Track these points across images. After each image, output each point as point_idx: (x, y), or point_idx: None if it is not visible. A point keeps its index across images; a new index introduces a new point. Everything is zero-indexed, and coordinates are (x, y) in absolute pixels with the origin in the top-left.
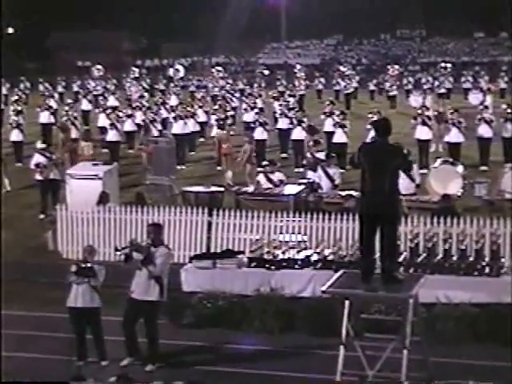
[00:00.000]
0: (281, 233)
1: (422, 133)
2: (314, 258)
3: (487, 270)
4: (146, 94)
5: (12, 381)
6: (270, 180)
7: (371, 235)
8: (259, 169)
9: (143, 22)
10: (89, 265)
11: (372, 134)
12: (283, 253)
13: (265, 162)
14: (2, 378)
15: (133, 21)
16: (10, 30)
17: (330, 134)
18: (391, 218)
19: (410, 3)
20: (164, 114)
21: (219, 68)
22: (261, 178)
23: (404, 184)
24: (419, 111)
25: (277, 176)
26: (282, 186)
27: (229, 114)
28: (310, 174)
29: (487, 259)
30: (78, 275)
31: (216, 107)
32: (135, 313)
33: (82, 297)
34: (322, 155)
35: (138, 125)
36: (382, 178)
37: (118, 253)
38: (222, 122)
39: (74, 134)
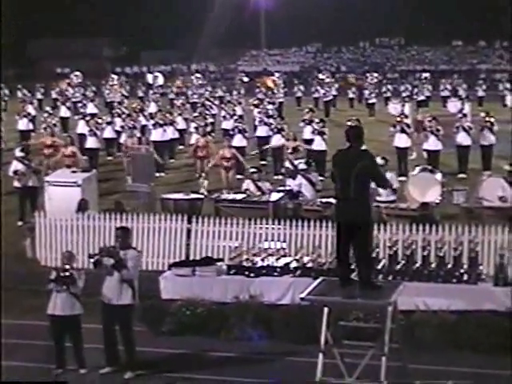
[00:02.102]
0: (260, 240)
1: (401, 140)
2: (293, 265)
3: (465, 277)
4: (125, 101)
5: (12, 381)
6: (258, 187)
7: (345, 242)
8: (239, 176)
9: (122, 29)
10: (67, 273)
11: None
12: (262, 260)
13: (252, 170)
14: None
15: (112, 28)
16: None
17: (309, 142)
18: (361, 224)
19: (388, 12)
20: (143, 121)
21: (198, 75)
22: (249, 185)
23: (385, 191)
24: (398, 119)
25: (264, 184)
26: (269, 193)
27: (208, 121)
28: (289, 181)
29: (465, 266)
30: (56, 282)
31: (195, 114)
32: (112, 319)
33: (61, 304)
34: (301, 163)
35: (117, 131)
36: (348, 183)
37: (92, 260)
38: (201, 129)
39: (50, 140)
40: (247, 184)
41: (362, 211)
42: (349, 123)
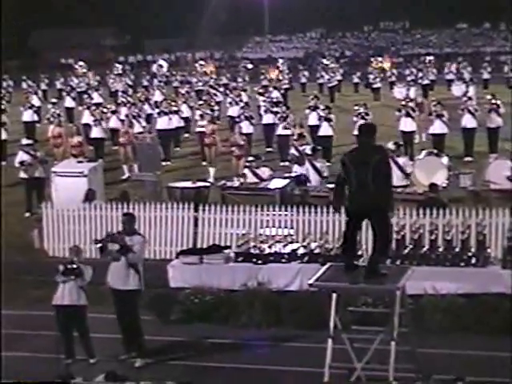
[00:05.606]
0: (267, 227)
1: (407, 124)
2: (301, 251)
3: (473, 260)
4: (130, 90)
5: (12, 381)
6: (255, 174)
7: (355, 231)
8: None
9: (125, 18)
10: (75, 265)
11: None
12: (270, 247)
13: (250, 158)
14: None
15: (115, 17)
16: None
17: (315, 128)
18: (380, 213)
19: None
20: (148, 110)
21: (202, 63)
22: (246, 172)
23: (397, 176)
24: (403, 103)
25: (263, 171)
26: (269, 180)
27: (213, 108)
28: (296, 167)
29: (473, 250)
30: (64, 274)
31: (201, 102)
32: (122, 303)
33: (68, 295)
34: (308, 149)
35: (122, 121)
36: (366, 173)
37: (98, 245)
38: (206, 116)
39: (57, 131)
40: (245, 171)
41: (381, 199)
42: (356, 108)
